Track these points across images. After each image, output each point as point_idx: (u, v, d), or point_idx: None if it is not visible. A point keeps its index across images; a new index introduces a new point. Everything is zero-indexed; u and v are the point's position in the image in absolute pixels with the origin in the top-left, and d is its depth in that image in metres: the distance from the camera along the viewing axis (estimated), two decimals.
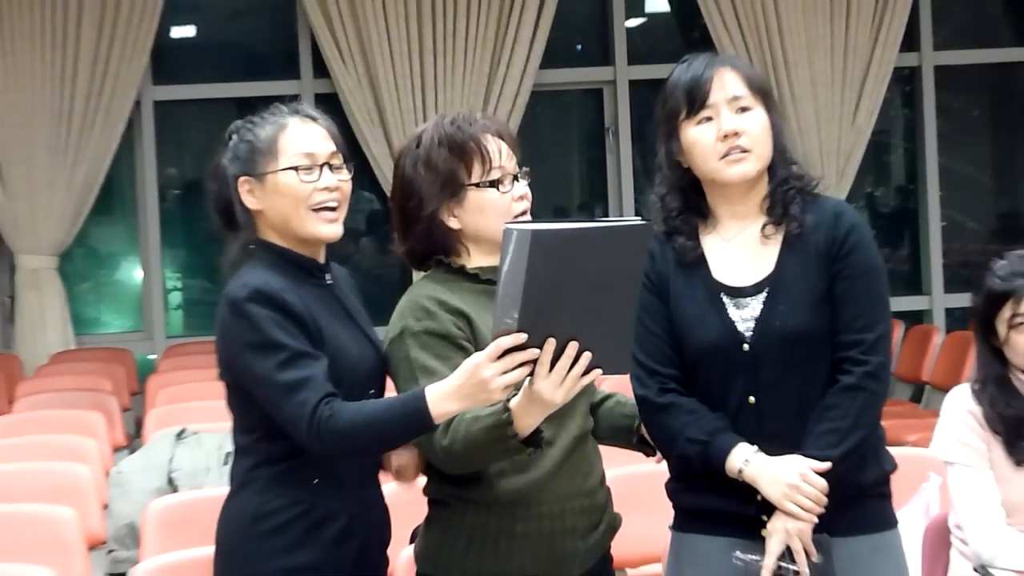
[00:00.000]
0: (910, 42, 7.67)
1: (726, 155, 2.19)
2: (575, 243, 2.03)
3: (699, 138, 2.22)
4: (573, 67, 8.00)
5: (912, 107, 8.07)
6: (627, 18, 7.82)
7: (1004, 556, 2.81)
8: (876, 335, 2.26)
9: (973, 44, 8.21)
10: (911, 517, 3.03)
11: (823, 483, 2.16)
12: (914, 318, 7.32)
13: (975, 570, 2.88)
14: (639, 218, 2.24)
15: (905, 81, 8.05)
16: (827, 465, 2.16)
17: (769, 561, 2.19)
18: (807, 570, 2.18)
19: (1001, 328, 2.84)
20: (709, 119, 2.20)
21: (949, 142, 7.90)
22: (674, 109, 2.25)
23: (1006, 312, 2.80)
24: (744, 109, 2.22)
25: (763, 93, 2.29)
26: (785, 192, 2.27)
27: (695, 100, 2.24)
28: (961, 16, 8.51)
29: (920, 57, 7.73)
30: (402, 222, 2.36)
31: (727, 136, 2.18)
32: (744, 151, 2.21)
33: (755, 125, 2.24)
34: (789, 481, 2.19)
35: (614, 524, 2.42)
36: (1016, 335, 2.80)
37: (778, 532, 2.23)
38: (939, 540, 3.04)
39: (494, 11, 7.26)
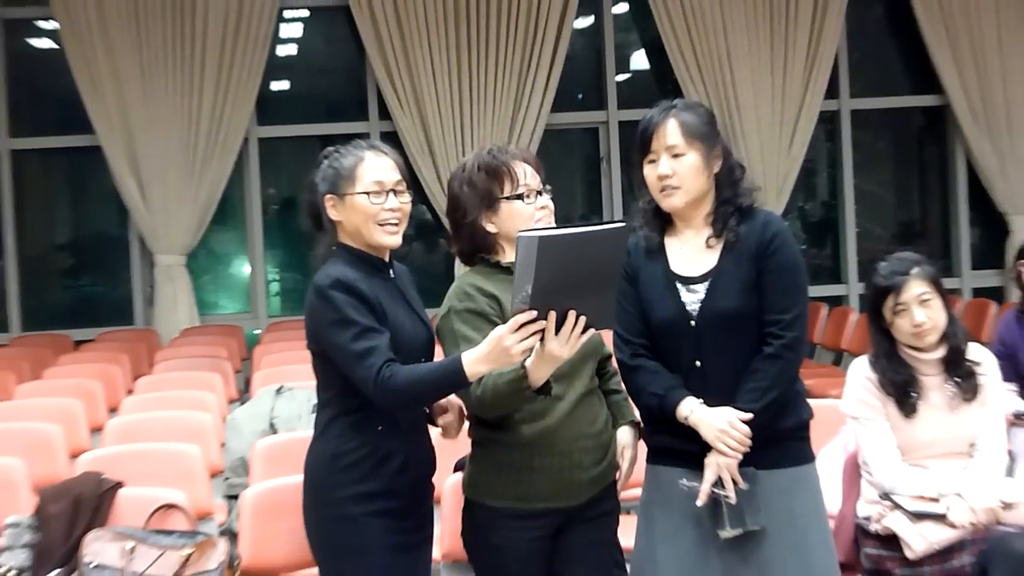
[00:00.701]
0: (832, 91, 8.56)
1: (662, 190, 2.52)
2: (571, 242, 2.29)
3: (647, 175, 2.56)
4: (575, 111, 8.68)
5: (833, 141, 8.89)
6: (617, 74, 8.60)
7: (902, 486, 3.20)
8: (792, 315, 2.53)
9: (880, 93, 9.06)
10: (833, 453, 3.47)
11: (747, 429, 2.44)
12: (835, 301, 7.98)
13: (881, 497, 3.28)
14: (621, 221, 2.54)
15: (828, 121, 8.73)
16: (750, 416, 2.45)
17: (705, 487, 2.48)
18: (734, 495, 2.48)
19: (887, 314, 3.17)
20: (653, 161, 2.52)
21: (861, 168, 8.79)
22: (636, 149, 2.66)
23: (890, 302, 3.14)
24: (677, 155, 2.51)
25: (700, 138, 2.55)
26: (725, 211, 2.56)
27: (644, 145, 2.57)
28: (871, 71, 9.12)
29: (840, 103, 8.63)
30: (453, 229, 2.70)
31: (660, 177, 2.51)
32: (674, 188, 2.51)
33: (684, 168, 2.51)
34: (719, 427, 2.42)
35: (616, 462, 2.71)
36: (899, 319, 3.15)
37: (711, 465, 2.48)
38: (854, 470, 3.40)
39: (516, 69, 8.02)
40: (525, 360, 2.30)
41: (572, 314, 2.27)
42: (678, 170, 2.51)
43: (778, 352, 2.55)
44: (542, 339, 2.26)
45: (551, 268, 2.24)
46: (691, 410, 2.47)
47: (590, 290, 2.35)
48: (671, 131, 2.52)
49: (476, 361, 2.27)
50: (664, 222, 2.63)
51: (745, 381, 2.51)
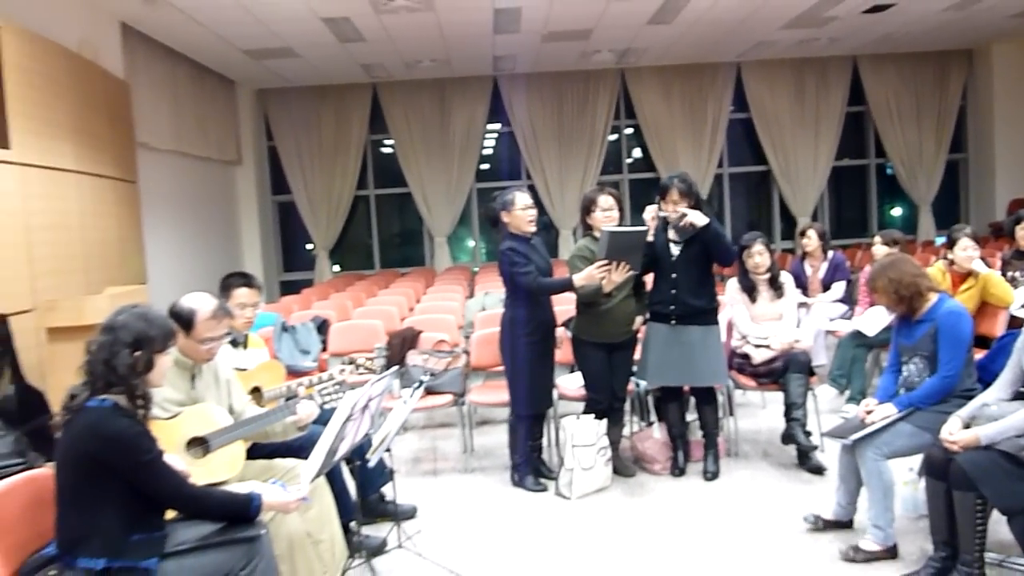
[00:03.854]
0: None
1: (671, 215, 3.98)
2: (621, 233, 3.77)
3: (664, 206, 3.96)
4: (612, 174, 11.77)
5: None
6: (628, 157, 11.94)
7: (750, 334, 4.62)
8: (731, 259, 4.18)
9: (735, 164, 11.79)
10: (725, 318, 4.72)
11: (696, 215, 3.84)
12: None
13: (742, 336, 4.71)
14: (644, 226, 3.96)
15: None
16: (706, 221, 3.88)
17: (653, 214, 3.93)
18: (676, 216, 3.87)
19: (745, 258, 4.60)
20: (664, 201, 3.96)
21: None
22: (658, 193, 4.01)
23: (744, 253, 4.59)
24: (674, 202, 3.93)
25: (683, 194, 3.92)
26: (683, 223, 3.91)
27: (662, 192, 3.99)
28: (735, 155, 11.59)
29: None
30: (582, 223, 4.25)
31: (667, 213, 3.95)
32: (674, 214, 3.96)
33: (679, 208, 3.92)
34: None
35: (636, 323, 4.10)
36: (748, 259, 4.59)
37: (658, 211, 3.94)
38: (730, 327, 4.77)
39: (582, 154, 11.34)
40: (602, 281, 3.65)
41: (621, 263, 3.66)
42: (677, 208, 3.98)
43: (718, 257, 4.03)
44: (609, 273, 3.64)
45: (613, 243, 3.58)
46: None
47: (629, 253, 3.69)
48: (673, 193, 3.98)
49: (579, 279, 3.74)
50: (667, 223, 4.07)
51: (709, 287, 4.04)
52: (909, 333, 3.39)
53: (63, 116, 6.30)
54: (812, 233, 6.38)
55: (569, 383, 4.69)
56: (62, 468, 2.25)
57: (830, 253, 6.47)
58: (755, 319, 4.65)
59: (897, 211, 12.61)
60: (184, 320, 2.84)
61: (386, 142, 11.85)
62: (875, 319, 5.47)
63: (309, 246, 11.86)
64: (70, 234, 6.34)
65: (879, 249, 5.72)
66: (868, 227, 12.07)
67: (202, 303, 2.90)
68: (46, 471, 2.44)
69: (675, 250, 4.06)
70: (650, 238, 4.03)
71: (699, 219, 3.93)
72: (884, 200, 12.38)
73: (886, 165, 12.08)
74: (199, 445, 2.81)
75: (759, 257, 4.55)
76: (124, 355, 2.26)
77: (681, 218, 3.98)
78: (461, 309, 6.91)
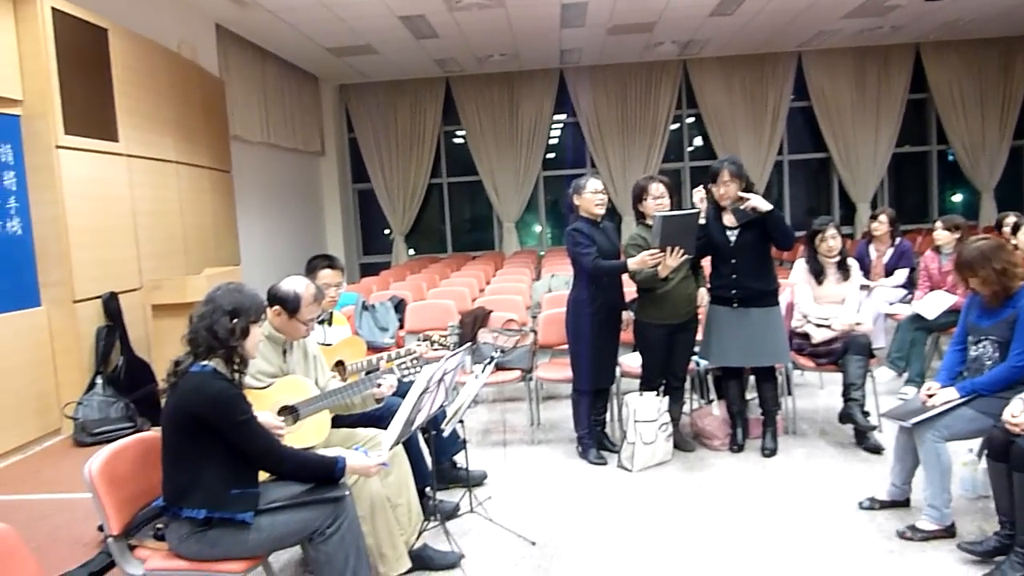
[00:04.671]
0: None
1: (721, 199, 3.95)
2: (674, 217, 3.67)
3: (714, 189, 3.97)
4: (673, 162, 11.73)
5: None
6: (689, 145, 11.78)
7: (812, 314, 4.51)
8: (791, 243, 4.01)
9: (795, 151, 11.38)
10: (784, 299, 4.60)
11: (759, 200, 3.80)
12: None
13: (803, 316, 4.58)
14: (695, 208, 3.91)
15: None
16: (769, 207, 3.82)
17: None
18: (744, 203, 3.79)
19: (816, 241, 4.49)
20: (715, 183, 3.95)
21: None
22: (710, 178, 3.97)
23: (817, 236, 4.47)
24: (725, 184, 3.90)
25: (734, 176, 3.90)
26: (736, 205, 3.92)
27: (713, 176, 3.99)
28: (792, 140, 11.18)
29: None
30: (634, 211, 4.18)
31: (718, 197, 3.95)
32: (724, 198, 3.95)
33: (729, 191, 3.90)
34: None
35: (697, 304, 4.05)
36: (821, 242, 4.47)
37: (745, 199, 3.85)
38: (790, 307, 4.67)
39: (644, 143, 11.29)
40: (657, 267, 3.65)
41: (676, 248, 3.62)
42: (727, 191, 3.96)
43: (779, 238, 3.95)
44: (664, 259, 3.61)
45: (666, 227, 3.54)
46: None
47: (683, 237, 3.64)
48: (726, 173, 3.96)
49: (633, 263, 3.71)
50: (719, 208, 4.06)
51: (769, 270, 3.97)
52: (987, 316, 3.23)
53: (164, 111, 6.50)
54: (884, 218, 6.17)
55: (632, 361, 4.68)
56: (168, 428, 2.34)
57: (897, 239, 6.27)
58: (818, 300, 4.55)
59: (958, 197, 12.17)
60: (291, 305, 2.91)
61: (458, 133, 11.93)
62: (935, 303, 5.28)
63: (387, 231, 12.02)
64: (171, 219, 6.55)
65: (941, 234, 5.53)
66: (928, 213, 11.70)
67: (304, 287, 2.96)
68: (153, 433, 2.54)
69: (732, 236, 3.99)
70: (702, 220, 3.95)
71: (762, 204, 3.87)
72: (945, 186, 11.99)
73: (948, 151, 11.69)
74: (289, 413, 2.89)
75: (832, 241, 4.45)
76: (224, 321, 2.35)
77: (742, 202, 3.91)
78: (528, 290, 6.89)
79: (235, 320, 2.36)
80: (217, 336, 2.34)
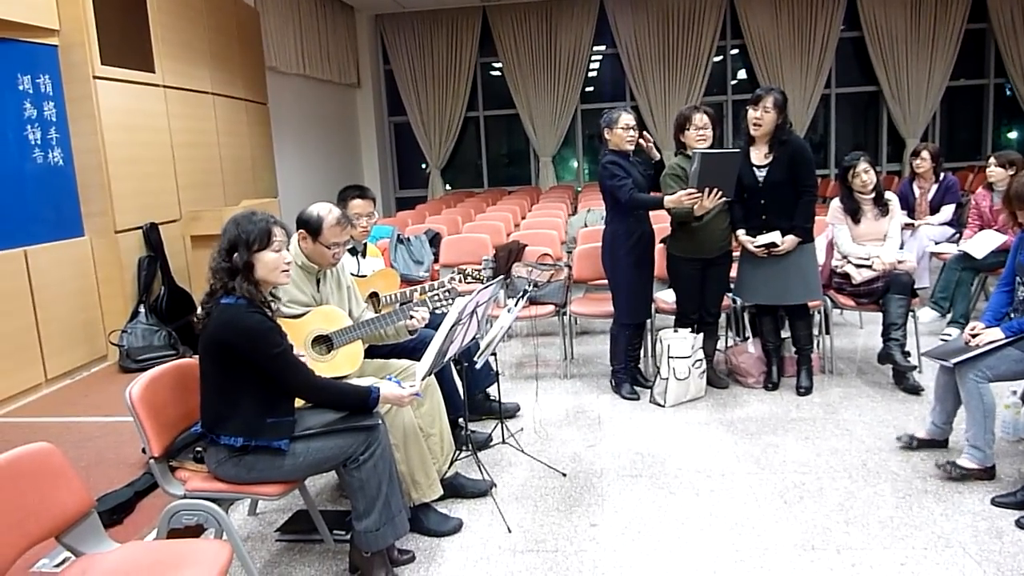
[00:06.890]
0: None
1: (754, 125, 3.79)
2: (714, 155, 3.54)
3: (750, 114, 3.80)
4: (715, 95, 11.50)
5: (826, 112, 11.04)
6: (732, 78, 11.51)
7: (852, 254, 4.40)
8: (810, 183, 3.85)
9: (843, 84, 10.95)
10: (824, 238, 4.65)
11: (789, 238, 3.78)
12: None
13: (843, 256, 4.44)
14: (737, 148, 3.84)
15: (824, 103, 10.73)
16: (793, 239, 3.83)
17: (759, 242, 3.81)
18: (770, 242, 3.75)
19: (849, 177, 4.37)
20: (755, 108, 3.79)
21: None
22: (751, 101, 3.84)
23: (851, 173, 4.35)
24: (766, 110, 3.75)
25: (777, 106, 3.77)
26: (778, 138, 3.79)
27: (755, 101, 3.83)
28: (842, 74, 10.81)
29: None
30: (675, 140, 4.09)
31: (753, 121, 3.79)
32: (758, 126, 3.78)
33: (766, 118, 3.75)
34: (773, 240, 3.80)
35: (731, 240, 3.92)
36: (855, 180, 4.33)
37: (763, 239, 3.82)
38: (830, 246, 4.57)
39: (685, 79, 11.05)
40: (693, 206, 3.68)
41: (714, 190, 3.60)
42: (762, 120, 3.79)
43: (804, 199, 3.85)
44: (701, 199, 3.61)
45: (705, 165, 3.46)
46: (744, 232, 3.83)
47: (722, 176, 3.52)
48: (767, 101, 3.78)
49: (669, 201, 3.72)
50: (750, 138, 3.90)
51: (792, 215, 3.82)
52: None
53: (200, 42, 6.48)
54: (926, 154, 5.96)
55: (667, 296, 4.64)
56: (204, 358, 2.35)
57: (941, 175, 6.05)
58: (858, 239, 4.46)
59: (1014, 134, 11.70)
60: (312, 227, 2.90)
61: (495, 65, 11.83)
62: (984, 242, 5.12)
63: (423, 165, 12.15)
64: (209, 151, 6.58)
65: (994, 171, 5.34)
66: (982, 149, 11.26)
67: (327, 211, 2.95)
68: (190, 360, 2.57)
69: (760, 174, 3.87)
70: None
71: (788, 243, 3.89)
72: (1001, 122, 11.54)
73: (1005, 85, 11.21)
74: (323, 343, 2.92)
75: (865, 175, 4.30)
76: (220, 261, 2.34)
77: (770, 246, 3.96)
78: (564, 225, 6.90)
79: (234, 256, 2.33)
80: (218, 276, 2.34)
